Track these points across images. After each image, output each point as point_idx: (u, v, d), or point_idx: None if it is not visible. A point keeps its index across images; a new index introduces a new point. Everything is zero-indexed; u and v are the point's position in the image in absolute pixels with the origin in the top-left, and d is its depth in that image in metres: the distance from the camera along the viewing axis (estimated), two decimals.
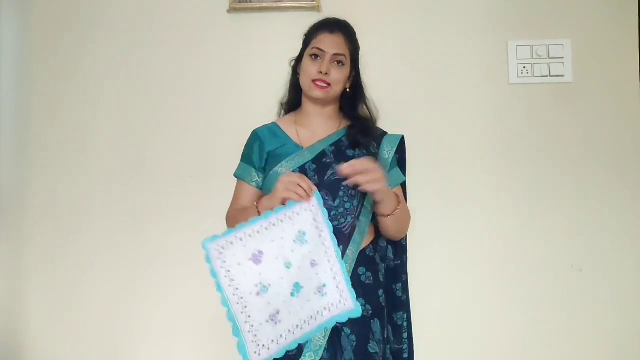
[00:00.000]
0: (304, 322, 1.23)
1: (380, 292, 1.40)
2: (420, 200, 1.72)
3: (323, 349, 1.30)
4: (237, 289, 1.17)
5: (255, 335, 1.18)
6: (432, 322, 1.76)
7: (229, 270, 1.18)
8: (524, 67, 1.84)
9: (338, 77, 1.43)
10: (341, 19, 1.51)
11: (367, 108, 1.55)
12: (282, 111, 1.61)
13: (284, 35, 1.77)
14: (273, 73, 1.71)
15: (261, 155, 1.46)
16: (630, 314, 1.81)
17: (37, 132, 1.90)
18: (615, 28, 1.86)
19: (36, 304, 1.86)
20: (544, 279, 1.81)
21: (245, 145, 1.53)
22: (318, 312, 1.24)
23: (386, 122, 1.60)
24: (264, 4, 1.85)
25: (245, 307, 1.18)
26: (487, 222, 1.83)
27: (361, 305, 1.34)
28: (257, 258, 1.19)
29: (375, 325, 1.36)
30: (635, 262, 1.82)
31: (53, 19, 1.91)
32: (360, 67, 1.53)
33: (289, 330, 1.21)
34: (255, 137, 1.50)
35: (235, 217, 1.47)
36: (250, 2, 1.85)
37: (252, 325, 1.18)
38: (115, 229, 1.85)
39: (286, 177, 1.28)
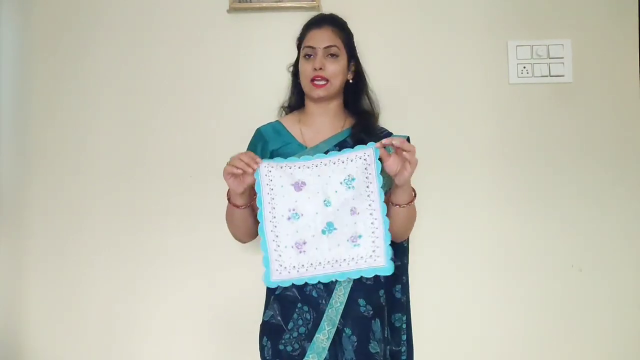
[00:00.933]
0: (328, 262, 1.26)
1: (381, 292, 1.40)
2: (419, 200, 1.71)
3: (326, 350, 1.30)
4: (273, 208, 1.26)
5: (280, 256, 1.25)
6: (432, 322, 1.76)
7: (272, 189, 1.26)
8: (524, 67, 1.84)
9: (334, 70, 1.43)
10: (327, 13, 1.52)
11: (369, 98, 1.55)
12: (283, 112, 1.62)
13: (284, 35, 1.76)
14: (273, 73, 1.72)
15: (264, 154, 1.46)
16: (630, 314, 1.81)
17: (37, 132, 1.89)
18: (615, 28, 1.86)
19: (36, 304, 1.86)
20: (544, 279, 1.81)
21: (249, 144, 1.53)
22: (345, 259, 1.26)
23: (386, 123, 1.60)
24: (264, 4, 1.85)
25: (275, 226, 1.26)
26: (487, 222, 1.83)
27: (362, 305, 1.35)
28: (298, 186, 1.26)
29: (376, 325, 1.36)
30: (635, 262, 1.82)
31: (53, 19, 1.91)
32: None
33: (311, 264, 1.26)
34: (260, 136, 1.50)
35: (226, 217, 1.48)
36: (250, 2, 1.85)
37: (278, 246, 1.26)
38: (115, 229, 1.85)
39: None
